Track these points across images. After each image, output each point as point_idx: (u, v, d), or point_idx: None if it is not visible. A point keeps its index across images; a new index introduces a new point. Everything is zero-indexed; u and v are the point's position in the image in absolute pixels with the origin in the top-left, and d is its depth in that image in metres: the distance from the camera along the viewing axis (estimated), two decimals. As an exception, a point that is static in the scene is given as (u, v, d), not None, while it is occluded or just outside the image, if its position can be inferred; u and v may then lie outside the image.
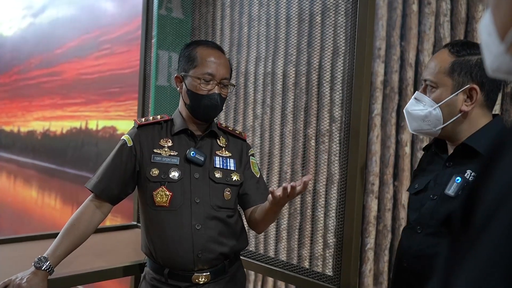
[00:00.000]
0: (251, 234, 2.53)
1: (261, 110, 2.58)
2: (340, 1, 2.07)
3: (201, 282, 1.59)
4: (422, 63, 2.00)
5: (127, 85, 3.78)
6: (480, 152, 1.28)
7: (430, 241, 1.33)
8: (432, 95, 1.36)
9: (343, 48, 2.18)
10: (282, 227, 2.48)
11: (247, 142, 1.82)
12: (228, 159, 1.69)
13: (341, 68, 2.14)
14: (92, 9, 4.40)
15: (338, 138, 2.23)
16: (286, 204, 1.91)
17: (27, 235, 2.19)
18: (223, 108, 1.73)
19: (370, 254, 2.14)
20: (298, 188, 1.38)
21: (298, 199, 2.39)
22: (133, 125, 1.72)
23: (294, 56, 2.42)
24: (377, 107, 2.13)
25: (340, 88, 2.16)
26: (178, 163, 1.62)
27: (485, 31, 0.54)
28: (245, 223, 1.78)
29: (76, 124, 4.55)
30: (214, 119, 1.74)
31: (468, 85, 1.31)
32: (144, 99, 2.75)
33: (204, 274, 1.59)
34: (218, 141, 1.71)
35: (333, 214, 2.22)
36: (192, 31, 2.84)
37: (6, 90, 6.17)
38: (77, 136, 4.53)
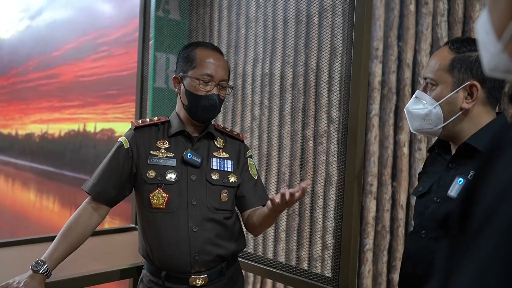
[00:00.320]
0: (250, 236, 2.53)
1: (259, 111, 2.58)
2: (337, 2, 2.06)
3: (198, 285, 1.58)
4: (419, 63, 2.00)
5: (125, 87, 3.77)
6: (482, 152, 1.26)
7: (435, 245, 1.30)
8: (433, 93, 1.33)
9: (341, 48, 2.17)
10: (280, 228, 2.48)
11: (245, 143, 1.81)
12: (225, 160, 1.69)
13: (339, 69, 2.14)
14: (89, 11, 4.40)
15: (336, 139, 2.23)
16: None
17: (25, 238, 2.18)
18: (221, 109, 1.73)
19: (369, 255, 2.14)
20: (297, 194, 1.37)
21: (296, 200, 2.38)
22: (130, 127, 1.71)
23: (292, 57, 2.42)
24: (375, 108, 2.13)
25: (338, 89, 2.16)
26: (175, 165, 1.61)
27: (482, 30, 0.53)
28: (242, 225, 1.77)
29: (74, 126, 4.55)
30: (212, 121, 1.74)
31: (469, 82, 1.28)
32: (141, 101, 2.74)
33: (201, 276, 1.59)
34: (215, 142, 1.71)
35: (332, 215, 2.22)
36: (190, 32, 2.84)
37: (4, 92, 6.17)
38: (75, 139, 4.52)
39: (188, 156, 1.61)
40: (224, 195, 1.64)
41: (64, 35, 4.74)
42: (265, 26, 2.53)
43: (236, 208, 1.74)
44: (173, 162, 1.62)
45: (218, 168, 1.66)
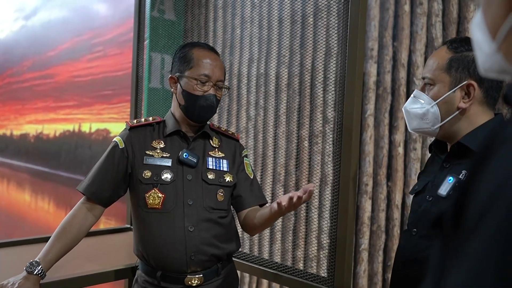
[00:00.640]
0: (246, 236, 2.53)
1: (254, 111, 2.58)
2: (332, 2, 2.07)
3: (194, 284, 1.58)
4: (414, 64, 2.01)
5: (120, 88, 3.76)
6: (475, 151, 1.26)
7: (424, 244, 1.31)
8: (430, 93, 1.33)
9: (336, 49, 2.18)
10: (276, 228, 2.48)
11: (240, 142, 1.81)
12: (221, 160, 1.69)
13: (334, 69, 2.14)
14: (84, 11, 4.39)
15: (331, 139, 2.23)
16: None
17: (20, 239, 2.17)
18: (217, 110, 1.73)
19: (364, 255, 2.14)
20: (304, 197, 1.37)
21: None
22: (125, 127, 1.71)
23: (287, 58, 2.42)
24: (370, 108, 2.13)
25: (333, 89, 2.16)
26: (170, 165, 1.61)
27: (477, 30, 0.53)
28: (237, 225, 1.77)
29: (69, 127, 4.53)
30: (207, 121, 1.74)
31: (466, 81, 1.28)
32: (137, 101, 2.73)
33: (197, 276, 1.59)
34: (211, 141, 1.71)
35: (327, 215, 2.22)
36: (185, 33, 2.83)
37: (-1, 93, 6.15)
38: (70, 139, 4.51)
39: (184, 156, 1.61)
40: (220, 195, 1.64)
41: (59, 35, 4.73)
42: (260, 26, 2.53)
43: (231, 208, 1.74)
44: (168, 162, 1.62)
45: (214, 168, 1.66)
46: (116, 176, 1.63)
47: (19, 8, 5.63)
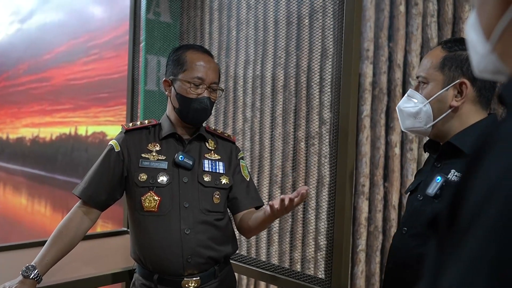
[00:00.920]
0: (243, 238, 2.52)
1: (250, 113, 2.58)
2: (327, 3, 2.07)
3: (191, 287, 1.58)
4: (410, 64, 2.01)
5: (116, 90, 3.76)
6: (464, 151, 1.24)
7: (413, 242, 1.31)
8: (424, 91, 1.34)
9: (332, 50, 2.18)
10: (273, 230, 2.47)
11: (236, 145, 1.81)
12: (217, 162, 1.69)
13: (330, 70, 2.14)
14: (80, 14, 4.38)
15: (328, 140, 2.23)
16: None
17: (17, 243, 2.16)
18: (212, 112, 1.73)
19: (362, 256, 2.14)
20: (296, 200, 1.36)
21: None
22: (120, 130, 1.70)
23: (283, 59, 2.42)
24: (366, 108, 2.13)
25: (329, 90, 2.16)
26: (166, 168, 1.61)
27: (471, 31, 0.53)
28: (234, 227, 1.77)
29: (66, 130, 4.52)
30: (203, 123, 1.73)
31: (459, 80, 1.28)
32: (133, 104, 2.73)
33: (194, 279, 1.58)
34: (206, 144, 1.70)
35: (324, 217, 2.22)
36: (181, 35, 2.83)
37: (-6, 96, 6.13)
38: (67, 142, 4.50)
39: (180, 158, 1.61)
40: (216, 197, 1.64)
41: (55, 38, 4.72)
42: (256, 28, 2.53)
43: (228, 210, 1.74)
44: (164, 165, 1.61)
45: (210, 170, 1.66)
46: (112, 180, 1.62)
47: (14, 11, 5.62)
